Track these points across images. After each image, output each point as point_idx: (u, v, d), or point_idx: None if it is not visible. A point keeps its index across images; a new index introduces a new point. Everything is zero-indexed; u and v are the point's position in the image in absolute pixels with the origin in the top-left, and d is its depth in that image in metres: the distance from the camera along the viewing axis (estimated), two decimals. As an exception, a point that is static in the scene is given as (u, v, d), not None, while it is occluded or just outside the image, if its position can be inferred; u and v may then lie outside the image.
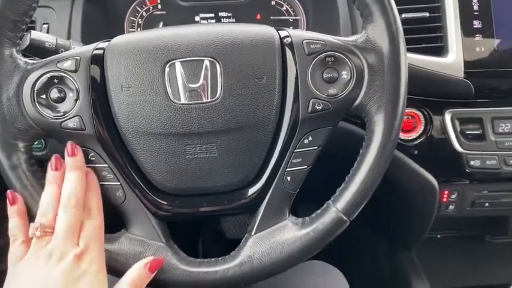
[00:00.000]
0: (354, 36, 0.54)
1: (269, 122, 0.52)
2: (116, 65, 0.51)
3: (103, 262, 0.49)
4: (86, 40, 0.77)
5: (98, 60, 0.52)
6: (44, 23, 0.76)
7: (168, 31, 0.54)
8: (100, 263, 0.49)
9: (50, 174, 0.51)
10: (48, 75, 0.51)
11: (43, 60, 0.52)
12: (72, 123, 0.51)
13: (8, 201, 0.51)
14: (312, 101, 0.52)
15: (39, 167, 0.53)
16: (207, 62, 0.51)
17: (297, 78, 0.52)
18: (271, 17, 0.93)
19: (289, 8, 0.94)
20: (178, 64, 0.51)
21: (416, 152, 0.77)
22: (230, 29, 0.53)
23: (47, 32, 0.75)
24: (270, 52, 0.52)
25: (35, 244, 0.48)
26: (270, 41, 0.52)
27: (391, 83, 0.52)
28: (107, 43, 0.53)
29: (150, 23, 0.91)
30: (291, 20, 0.94)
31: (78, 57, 0.51)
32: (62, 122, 0.51)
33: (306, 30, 0.93)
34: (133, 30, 0.91)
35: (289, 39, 0.53)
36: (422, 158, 0.78)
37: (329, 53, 0.52)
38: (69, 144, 0.51)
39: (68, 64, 0.51)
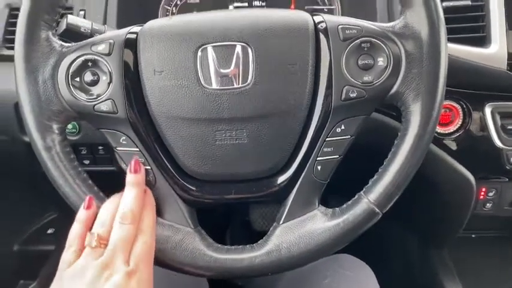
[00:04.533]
0: (392, 22, 0.52)
1: (301, 109, 0.51)
2: (149, 49, 0.51)
3: (151, 283, 0.48)
4: (120, 27, 0.77)
5: (131, 44, 0.52)
6: (80, 9, 0.77)
7: (201, 16, 0.54)
8: (148, 284, 0.48)
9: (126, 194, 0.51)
10: (82, 58, 0.51)
11: (78, 43, 0.53)
12: (104, 106, 0.51)
13: (83, 205, 0.50)
14: (345, 88, 0.50)
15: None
16: (239, 47, 0.50)
17: (330, 64, 0.51)
18: (306, 7, 0.92)
19: (324, -3, 0.92)
20: (210, 49, 0.50)
21: (453, 147, 0.74)
22: (263, 14, 0.52)
23: (84, 18, 0.76)
24: (304, 38, 0.51)
25: (88, 254, 0.46)
26: (304, 26, 0.51)
27: (429, 71, 0.49)
28: (140, 27, 0.54)
29: (183, 12, 0.91)
30: (326, 10, 0.92)
31: (112, 41, 0.52)
32: (95, 104, 0.51)
33: (341, 19, 0.91)
34: (167, 18, 0.92)
35: (323, 25, 0.52)
36: (459, 153, 0.75)
37: (365, 38, 0.50)
38: (133, 160, 0.52)
39: (101, 47, 0.51)
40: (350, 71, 0.51)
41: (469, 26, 0.72)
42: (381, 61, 0.50)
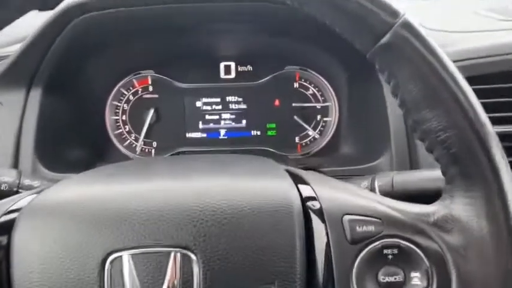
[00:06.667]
0: (427, 205, 0.32)
1: None
2: (29, 245, 0.31)
3: None
4: (40, 143, 0.57)
5: (5, 230, 0.31)
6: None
7: (119, 188, 0.33)
8: None
9: None
10: None
11: None
12: None
13: None
14: None
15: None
16: (176, 256, 0.29)
17: (332, 280, 0.30)
18: (293, 104, 0.73)
19: (316, 92, 0.73)
20: (126, 258, 0.29)
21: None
22: (216, 190, 0.32)
23: None
24: (286, 234, 0.30)
25: None
26: (286, 212, 0.31)
27: None
28: (30, 198, 0.33)
29: (138, 109, 0.72)
30: (319, 107, 0.73)
31: None
32: None
33: (339, 120, 0.72)
34: (117, 117, 0.72)
35: (316, 205, 0.31)
36: None
37: (389, 240, 0.30)
38: None
39: None
40: None
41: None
42: (417, 278, 0.30)
